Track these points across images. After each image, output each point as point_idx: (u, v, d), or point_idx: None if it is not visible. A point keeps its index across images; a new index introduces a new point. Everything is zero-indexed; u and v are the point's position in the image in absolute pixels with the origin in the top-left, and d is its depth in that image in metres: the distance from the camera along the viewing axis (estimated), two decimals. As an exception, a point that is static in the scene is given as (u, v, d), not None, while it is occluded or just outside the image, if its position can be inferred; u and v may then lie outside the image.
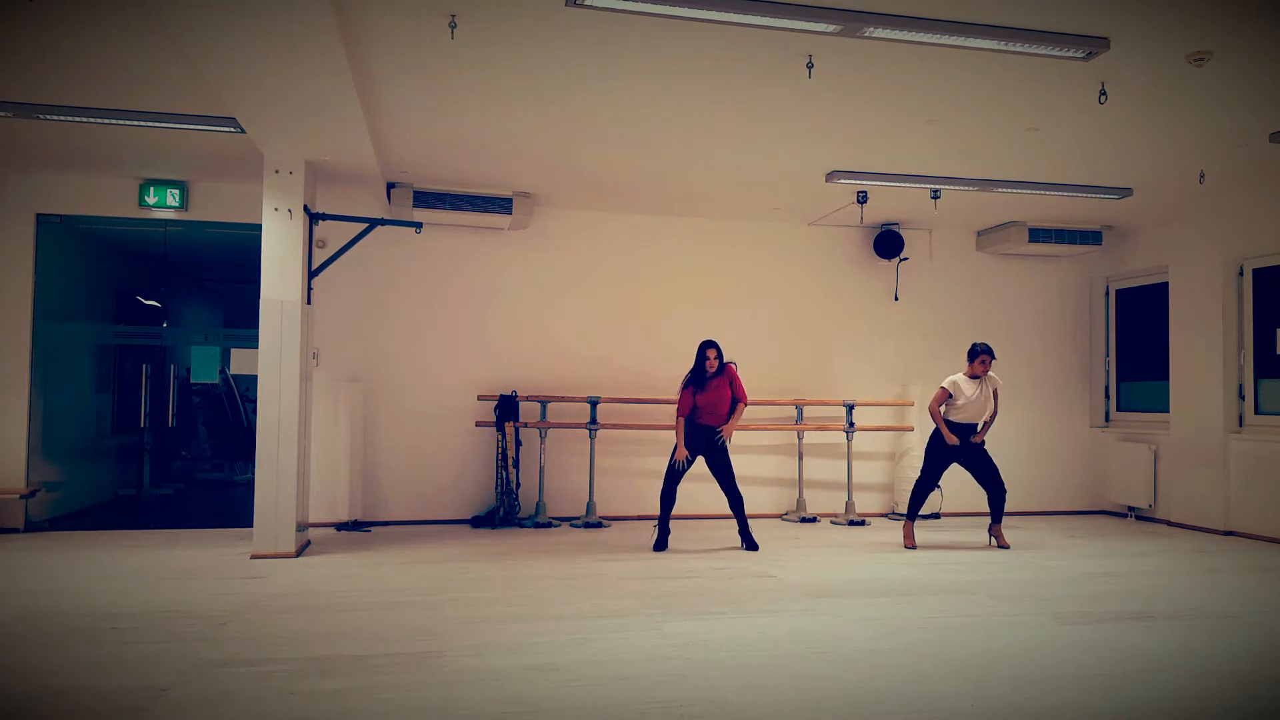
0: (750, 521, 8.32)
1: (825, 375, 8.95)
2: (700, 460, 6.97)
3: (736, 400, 6.90)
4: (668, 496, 6.88)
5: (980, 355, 6.94)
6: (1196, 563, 6.56)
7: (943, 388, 7.01)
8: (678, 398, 6.92)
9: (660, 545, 6.81)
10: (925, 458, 7.18)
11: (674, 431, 8.39)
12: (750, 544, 6.86)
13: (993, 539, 7.17)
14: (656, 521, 7.01)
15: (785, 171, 7.11)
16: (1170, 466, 8.51)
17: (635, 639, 4.34)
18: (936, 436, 7.09)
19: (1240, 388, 8.01)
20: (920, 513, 8.68)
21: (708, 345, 6.89)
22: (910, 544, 7.07)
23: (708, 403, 6.81)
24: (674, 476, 6.88)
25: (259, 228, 6.47)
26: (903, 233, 8.93)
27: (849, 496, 8.48)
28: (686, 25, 4.42)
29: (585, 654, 4.08)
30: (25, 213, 7.46)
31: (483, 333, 8.27)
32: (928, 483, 7.16)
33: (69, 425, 8.33)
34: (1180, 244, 8.53)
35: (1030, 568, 6.32)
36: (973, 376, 6.98)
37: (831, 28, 4.31)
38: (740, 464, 8.64)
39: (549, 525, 7.88)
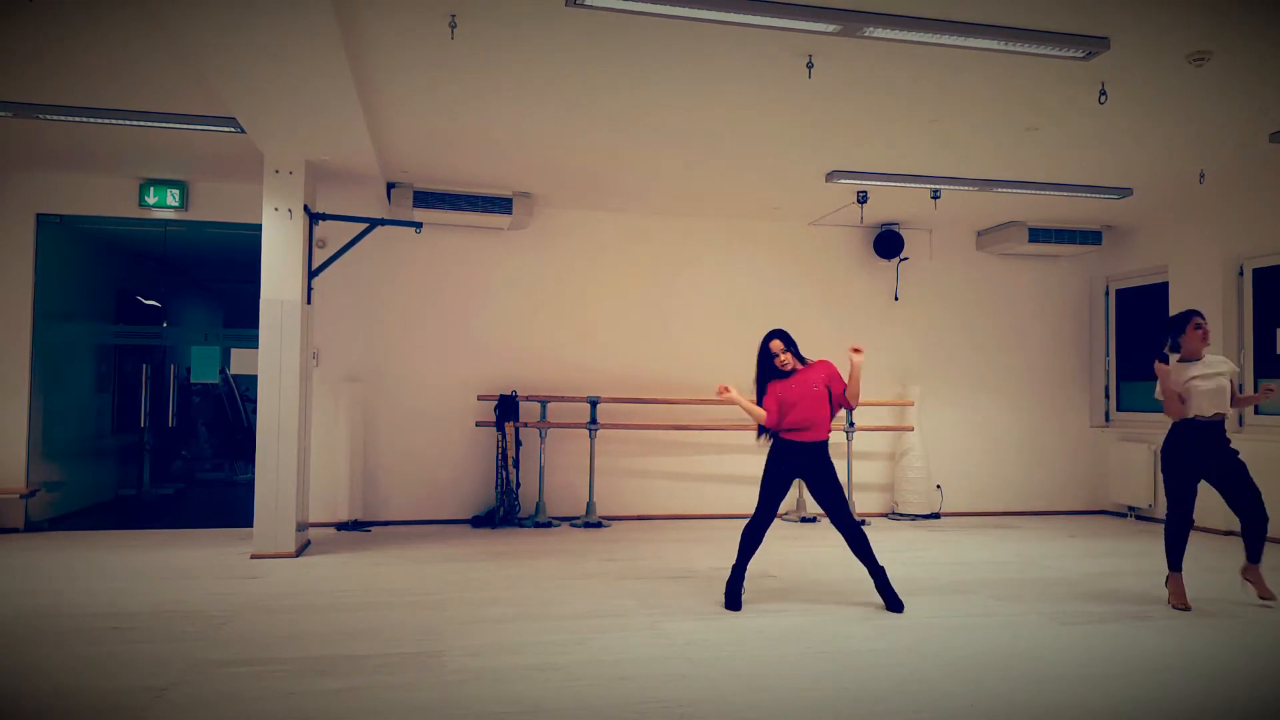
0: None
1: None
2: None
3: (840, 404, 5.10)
4: (756, 537, 5.08)
5: (1187, 325, 5.10)
6: (1196, 563, 6.55)
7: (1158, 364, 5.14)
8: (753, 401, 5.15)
9: (732, 602, 4.99)
10: (1165, 479, 5.16)
11: (680, 430, 8.43)
12: (894, 603, 4.94)
13: (1247, 583, 5.15)
14: (731, 571, 5.14)
15: (785, 171, 7.11)
16: (1170, 466, 8.49)
17: (635, 639, 4.34)
18: (1171, 448, 5.12)
19: (1240, 387, 8.00)
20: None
21: (772, 336, 5.11)
22: (1180, 603, 5.07)
23: (796, 407, 4.96)
24: (767, 511, 5.02)
25: (259, 228, 6.47)
26: (903, 233, 8.93)
27: (849, 496, 8.48)
28: (686, 25, 4.42)
29: (585, 654, 4.08)
30: (25, 213, 7.46)
31: (483, 333, 8.27)
32: (1181, 513, 5.08)
33: (69, 425, 8.32)
34: (1180, 244, 8.53)
35: (1030, 568, 6.32)
36: (1190, 359, 5.11)
37: (831, 28, 4.31)
38: (740, 464, 8.68)
39: (549, 525, 7.88)
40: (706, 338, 8.70)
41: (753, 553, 5.08)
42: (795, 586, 5.57)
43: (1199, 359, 5.10)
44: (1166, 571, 5.26)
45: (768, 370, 5.11)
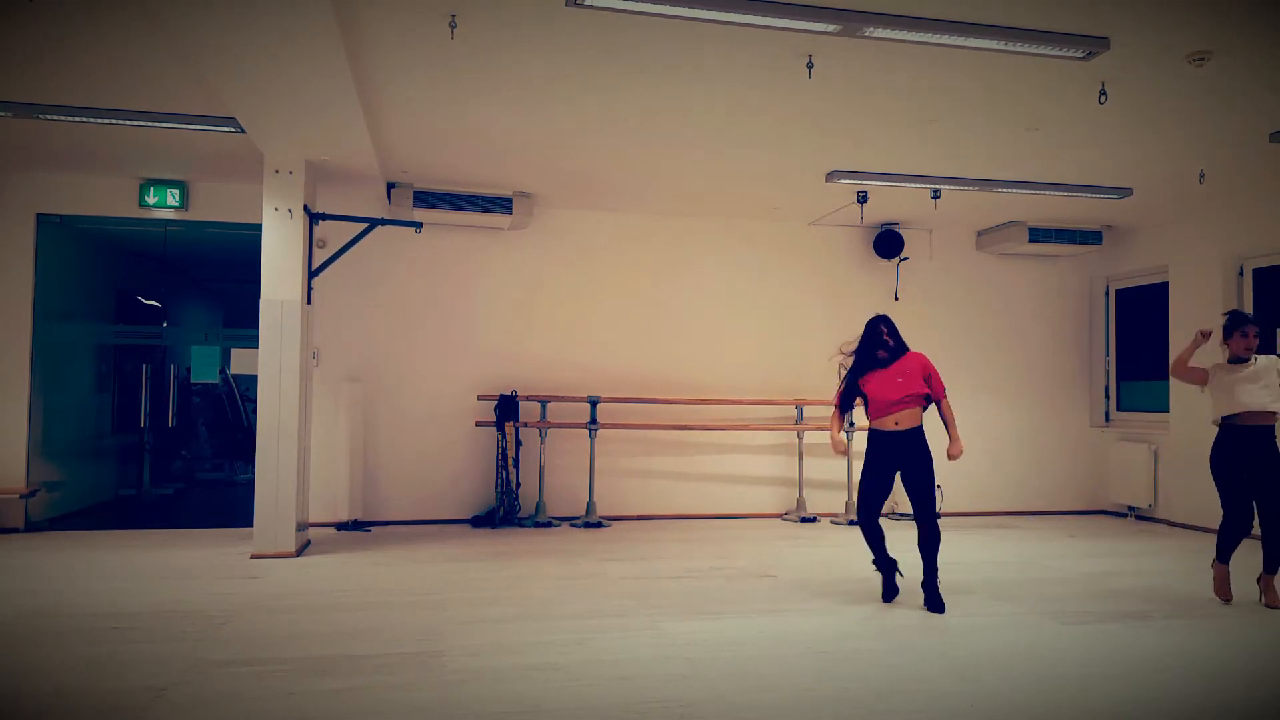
0: (750, 521, 8.40)
1: (825, 375, 8.92)
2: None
3: (935, 400, 5.23)
4: (868, 529, 5.21)
5: (1241, 328, 5.17)
6: (1196, 563, 6.55)
7: (1204, 372, 5.31)
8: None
9: (888, 594, 5.21)
10: (1215, 480, 5.25)
11: (680, 430, 8.42)
12: (935, 603, 4.96)
13: (1262, 595, 5.19)
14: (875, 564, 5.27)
15: (785, 171, 7.10)
16: (1170, 466, 8.50)
17: (635, 639, 4.34)
18: (1217, 449, 5.20)
19: None
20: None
21: (880, 320, 5.25)
22: (1225, 596, 5.24)
23: (883, 393, 5.15)
24: (866, 500, 5.20)
25: (259, 228, 6.47)
26: (903, 233, 8.93)
27: (849, 496, 8.47)
28: (686, 25, 4.41)
29: (585, 654, 4.08)
30: (25, 213, 7.46)
31: (483, 332, 8.27)
32: (1232, 513, 5.17)
33: (69, 425, 8.32)
34: (1180, 244, 8.53)
35: (1030, 568, 6.32)
36: (1235, 359, 5.21)
37: (831, 28, 4.31)
38: (740, 464, 8.69)
39: (549, 525, 7.88)
40: (706, 338, 8.70)
41: (877, 542, 5.20)
42: (795, 586, 5.57)
43: (1245, 360, 5.17)
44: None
45: (869, 360, 5.20)
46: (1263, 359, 5.17)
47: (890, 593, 5.20)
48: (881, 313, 5.32)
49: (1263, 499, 5.07)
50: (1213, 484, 5.23)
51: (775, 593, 5.37)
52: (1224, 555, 5.24)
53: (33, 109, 5.70)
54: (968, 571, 6.13)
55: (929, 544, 5.02)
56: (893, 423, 5.13)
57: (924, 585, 5.04)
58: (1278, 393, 5.09)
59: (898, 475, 5.17)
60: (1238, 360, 5.18)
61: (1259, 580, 5.21)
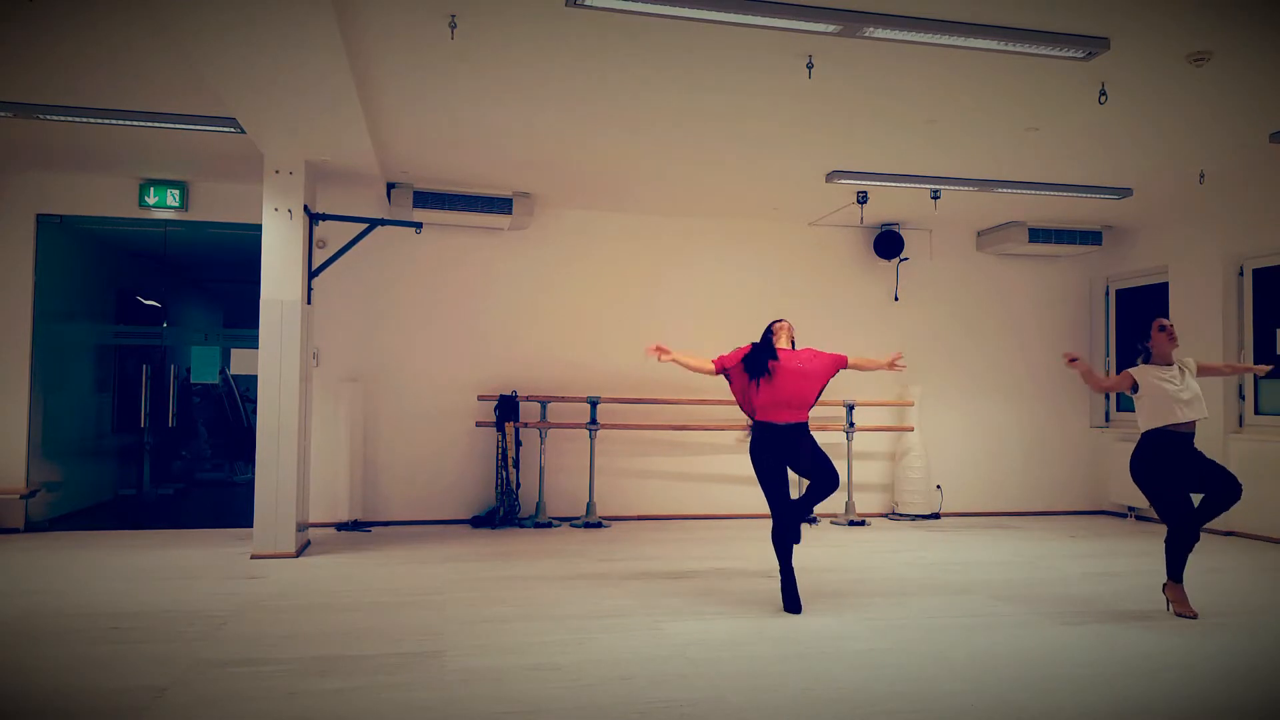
0: (750, 522, 8.39)
1: (825, 375, 8.95)
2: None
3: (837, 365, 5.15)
4: (780, 537, 5.09)
5: (1150, 329, 4.97)
6: (1196, 563, 6.52)
7: (1127, 373, 4.98)
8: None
9: (791, 605, 4.94)
10: (1145, 484, 4.94)
11: (680, 430, 8.42)
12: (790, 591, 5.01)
13: (1170, 604, 4.98)
14: (779, 573, 5.10)
15: (785, 171, 7.11)
16: (1170, 466, 8.50)
17: (635, 639, 4.34)
18: (1145, 449, 4.91)
19: (1240, 388, 8.01)
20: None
21: (776, 322, 5.20)
22: (1185, 610, 4.87)
23: (778, 394, 5.02)
24: (775, 494, 5.12)
25: (259, 228, 6.47)
26: (903, 233, 8.93)
27: (849, 496, 8.48)
28: (686, 25, 4.42)
29: (585, 654, 4.08)
30: (25, 213, 7.46)
31: (483, 333, 8.27)
32: (1175, 518, 4.85)
33: (69, 425, 8.32)
34: (1180, 244, 8.53)
35: (1030, 568, 6.32)
36: (1164, 363, 4.95)
37: (831, 28, 4.31)
38: (740, 464, 8.64)
39: (549, 525, 7.88)
40: (706, 338, 8.67)
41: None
42: (795, 586, 5.56)
43: (1169, 364, 4.94)
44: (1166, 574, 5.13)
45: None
46: (1186, 361, 5.01)
47: (793, 605, 4.93)
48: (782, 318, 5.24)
49: (1211, 488, 4.84)
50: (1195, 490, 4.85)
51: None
52: (1178, 572, 4.90)
53: (33, 109, 5.70)
54: (968, 571, 6.13)
55: (815, 495, 5.15)
56: (785, 415, 5.10)
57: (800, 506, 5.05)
58: (1203, 402, 4.92)
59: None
60: (1166, 363, 4.93)
61: (1165, 589, 4.98)
